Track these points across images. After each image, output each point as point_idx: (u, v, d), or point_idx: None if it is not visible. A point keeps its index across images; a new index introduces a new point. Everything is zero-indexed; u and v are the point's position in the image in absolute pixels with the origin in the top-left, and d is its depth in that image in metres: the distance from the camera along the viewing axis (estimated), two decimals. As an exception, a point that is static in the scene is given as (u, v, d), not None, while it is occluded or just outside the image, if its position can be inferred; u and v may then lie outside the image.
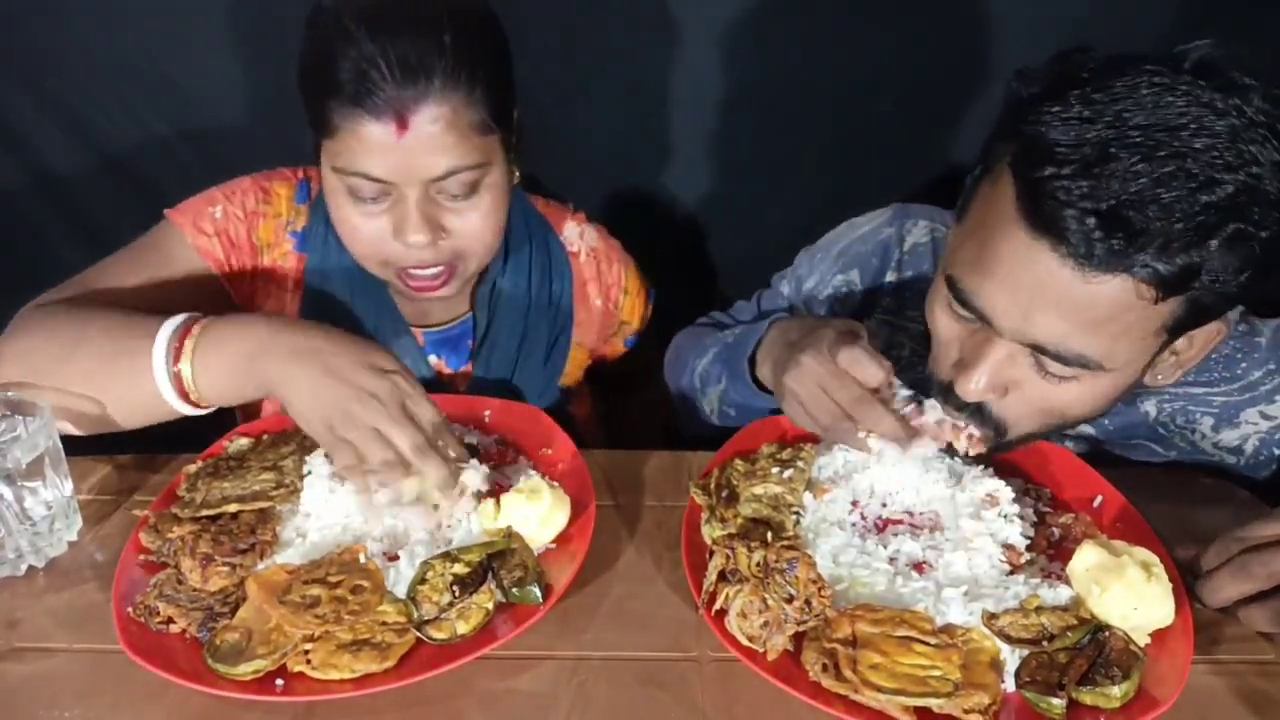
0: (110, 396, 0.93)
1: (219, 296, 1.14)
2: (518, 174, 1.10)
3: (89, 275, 1.07)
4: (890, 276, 1.16)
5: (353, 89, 0.94)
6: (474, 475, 0.89)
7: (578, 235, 1.27)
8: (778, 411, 1.03)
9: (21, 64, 1.42)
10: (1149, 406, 1.04)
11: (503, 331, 1.21)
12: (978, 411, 0.90)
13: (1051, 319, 0.79)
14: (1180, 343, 0.86)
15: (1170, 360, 0.88)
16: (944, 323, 0.91)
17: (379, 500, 0.85)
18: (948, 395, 0.91)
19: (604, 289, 1.28)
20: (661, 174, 1.56)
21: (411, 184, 0.99)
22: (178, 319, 0.92)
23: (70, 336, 0.95)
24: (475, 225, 1.04)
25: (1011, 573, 0.84)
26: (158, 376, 0.90)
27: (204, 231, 1.11)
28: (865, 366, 0.90)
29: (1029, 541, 0.88)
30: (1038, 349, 0.82)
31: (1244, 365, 1.01)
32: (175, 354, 0.90)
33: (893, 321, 1.16)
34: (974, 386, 0.86)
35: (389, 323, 1.17)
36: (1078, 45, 0.83)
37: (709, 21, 1.41)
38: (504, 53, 1.04)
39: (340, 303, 1.15)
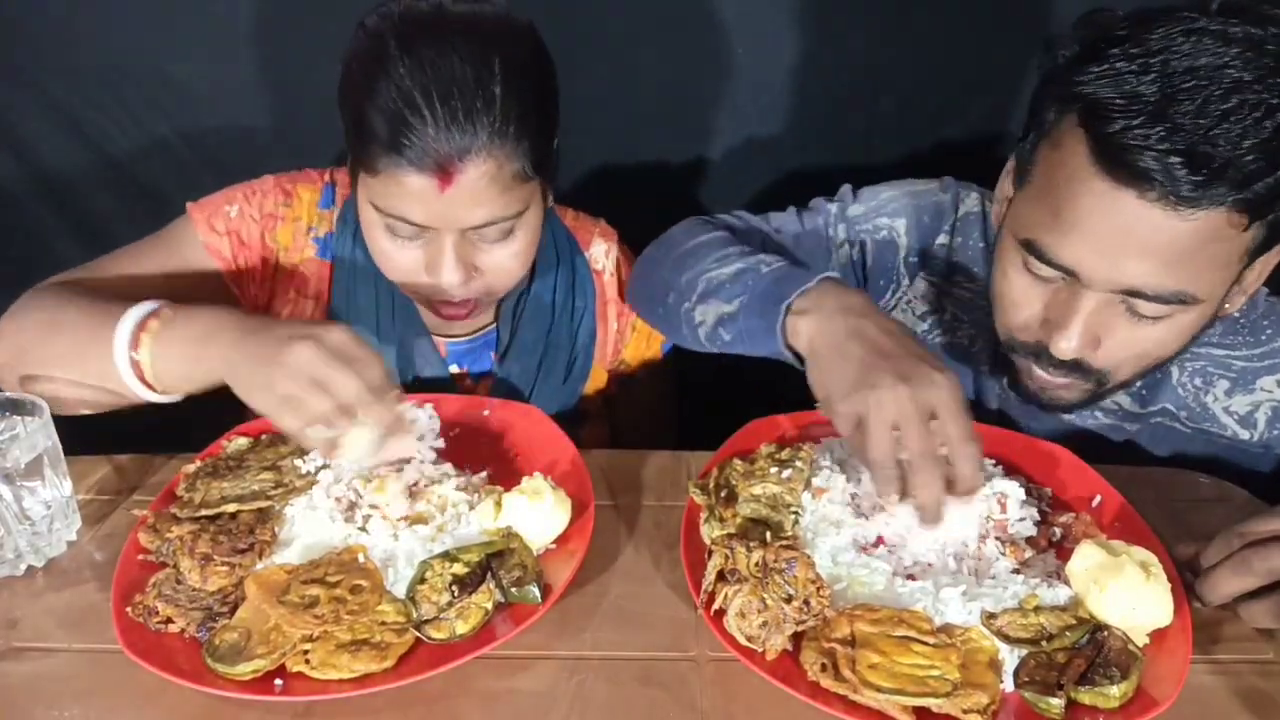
0: (81, 379, 0.95)
1: (224, 296, 1.13)
2: (550, 198, 1.10)
3: (101, 261, 1.10)
4: (943, 239, 1.16)
5: (398, 138, 0.92)
6: (420, 415, 0.92)
7: (604, 253, 1.26)
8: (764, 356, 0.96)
9: (22, 65, 1.41)
10: (1173, 367, 1.06)
11: (524, 347, 1.21)
12: (1076, 367, 0.92)
13: (1142, 261, 0.83)
14: (1247, 272, 0.89)
15: (1236, 289, 0.91)
16: (1021, 287, 0.93)
17: (341, 463, 0.88)
18: (1040, 356, 0.93)
19: (619, 313, 1.28)
20: (661, 174, 1.56)
21: (450, 230, 0.99)
22: (144, 306, 0.92)
23: (52, 319, 0.97)
24: (507, 264, 1.05)
25: (1011, 572, 0.84)
26: (118, 361, 0.91)
27: (215, 230, 1.11)
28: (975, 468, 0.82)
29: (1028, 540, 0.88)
30: (1132, 293, 0.85)
31: (1269, 332, 1.04)
32: (135, 340, 0.90)
33: (939, 285, 1.16)
34: (1068, 344, 0.89)
35: (413, 332, 1.17)
36: (1097, 7, 0.87)
37: (709, 21, 1.40)
38: (552, 95, 1.03)
39: (365, 312, 1.15)
